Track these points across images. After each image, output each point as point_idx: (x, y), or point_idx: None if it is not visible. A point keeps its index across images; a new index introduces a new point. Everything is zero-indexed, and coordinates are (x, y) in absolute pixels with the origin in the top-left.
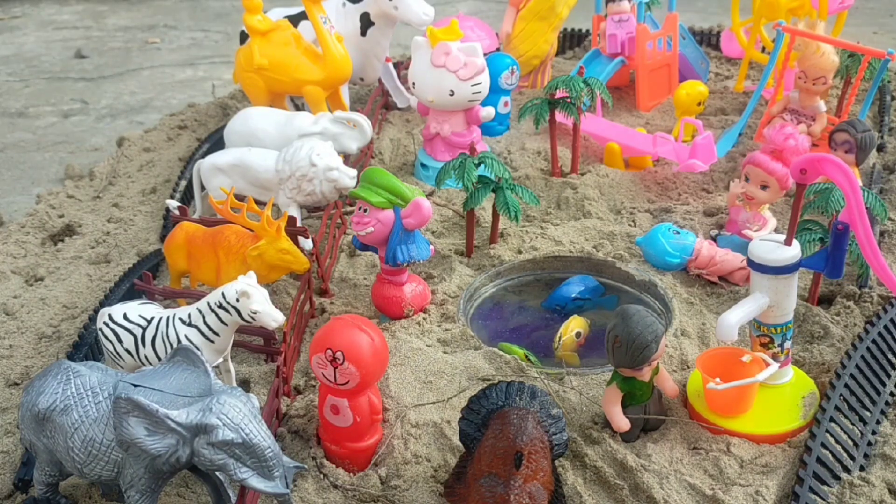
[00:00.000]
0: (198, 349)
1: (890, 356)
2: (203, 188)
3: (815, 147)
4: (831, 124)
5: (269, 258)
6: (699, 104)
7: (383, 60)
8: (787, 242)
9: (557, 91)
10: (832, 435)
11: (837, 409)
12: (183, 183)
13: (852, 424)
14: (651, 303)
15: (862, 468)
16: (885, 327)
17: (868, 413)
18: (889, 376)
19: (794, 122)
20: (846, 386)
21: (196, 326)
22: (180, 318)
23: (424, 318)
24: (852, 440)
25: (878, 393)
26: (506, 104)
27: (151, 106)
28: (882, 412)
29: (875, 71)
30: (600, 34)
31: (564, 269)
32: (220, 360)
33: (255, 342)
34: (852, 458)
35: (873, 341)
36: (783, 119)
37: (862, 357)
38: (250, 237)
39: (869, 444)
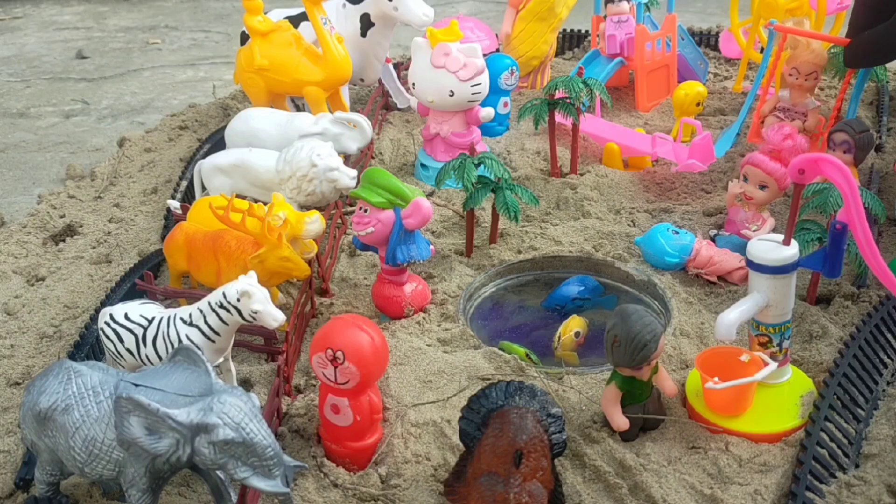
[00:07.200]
0: (199, 349)
1: (881, 354)
2: (204, 188)
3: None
4: (823, 115)
5: (270, 265)
6: (698, 105)
7: (383, 61)
8: (786, 242)
9: (557, 92)
10: (827, 433)
11: (831, 407)
12: (184, 183)
13: (846, 423)
14: (650, 302)
15: (857, 466)
16: (876, 325)
17: (861, 411)
18: (881, 374)
19: (788, 120)
20: (839, 384)
21: (197, 326)
22: (181, 318)
23: (424, 318)
24: (847, 438)
25: (871, 391)
26: (505, 105)
27: (152, 106)
28: (875, 409)
29: (872, 71)
30: (599, 35)
31: (564, 268)
32: (221, 359)
33: (255, 342)
34: (847, 455)
35: (865, 340)
36: (776, 117)
37: (854, 356)
38: (251, 243)
39: (864, 441)
